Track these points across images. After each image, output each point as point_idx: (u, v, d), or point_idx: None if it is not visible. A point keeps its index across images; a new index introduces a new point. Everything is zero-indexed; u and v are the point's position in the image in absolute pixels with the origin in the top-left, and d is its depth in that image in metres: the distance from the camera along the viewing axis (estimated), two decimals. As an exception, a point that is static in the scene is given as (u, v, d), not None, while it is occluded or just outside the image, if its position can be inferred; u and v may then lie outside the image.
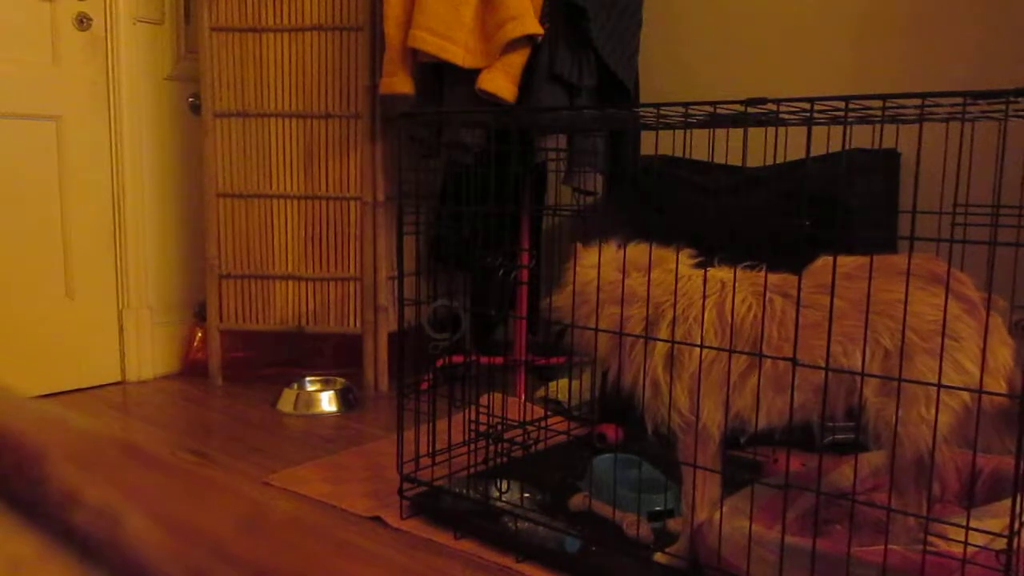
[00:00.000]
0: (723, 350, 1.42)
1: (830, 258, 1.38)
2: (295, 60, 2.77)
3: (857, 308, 1.35)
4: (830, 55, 2.57)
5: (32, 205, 2.67)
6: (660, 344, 1.48)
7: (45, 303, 2.72)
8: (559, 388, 2.59)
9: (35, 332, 2.69)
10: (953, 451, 1.41)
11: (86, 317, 2.82)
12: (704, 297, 1.45)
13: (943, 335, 1.28)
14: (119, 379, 2.92)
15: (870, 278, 1.32)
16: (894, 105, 1.28)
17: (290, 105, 2.79)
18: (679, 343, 1.46)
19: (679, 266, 1.50)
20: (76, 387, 2.80)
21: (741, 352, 1.42)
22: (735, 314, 1.43)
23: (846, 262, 1.38)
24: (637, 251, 1.59)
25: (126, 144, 2.84)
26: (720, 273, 1.50)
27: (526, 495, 1.79)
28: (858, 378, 1.35)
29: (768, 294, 1.42)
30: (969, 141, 1.29)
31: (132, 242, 2.89)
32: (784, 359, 1.37)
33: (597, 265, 1.58)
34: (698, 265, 1.55)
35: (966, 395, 1.30)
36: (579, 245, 1.63)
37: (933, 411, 1.28)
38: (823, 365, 1.35)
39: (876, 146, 1.49)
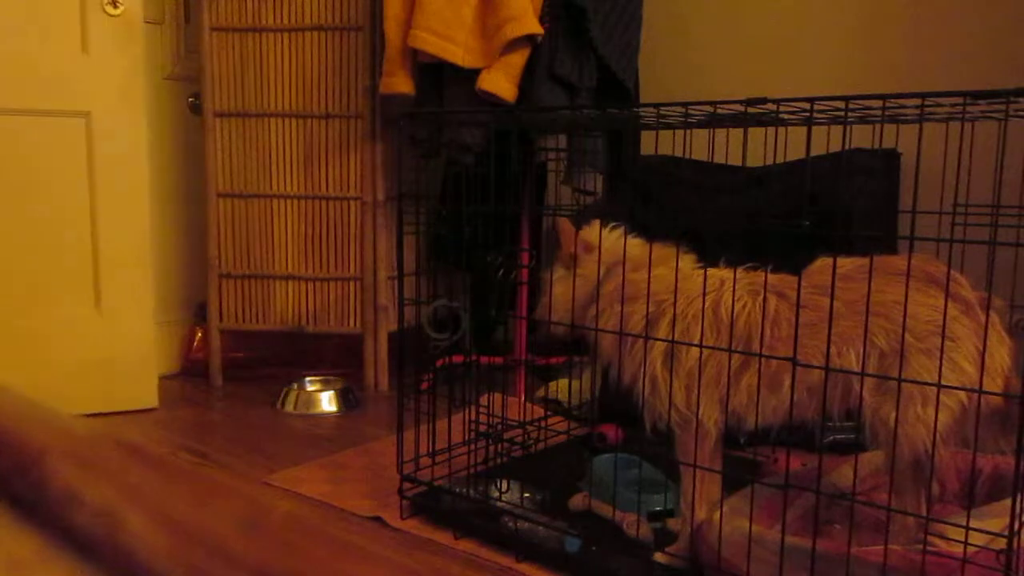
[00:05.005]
0: (721, 349, 1.42)
1: (829, 259, 1.38)
2: (295, 60, 2.77)
3: (852, 309, 1.35)
4: (830, 55, 2.57)
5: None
6: (660, 341, 1.48)
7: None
8: (559, 388, 2.59)
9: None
10: (951, 451, 1.41)
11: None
12: (704, 295, 1.46)
13: (943, 336, 1.28)
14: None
15: (870, 280, 1.32)
16: (894, 105, 1.28)
17: (290, 105, 2.79)
18: (676, 342, 1.46)
19: (680, 264, 1.50)
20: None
21: (739, 352, 1.42)
22: (729, 313, 1.43)
23: (843, 263, 1.38)
24: (640, 249, 1.59)
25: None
26: (721, 272, 1.51)
27: (526, 495, 1.79)
28: (853, 379, 1.36)
29: (764, 293, 1.43)
30: (969, 141, 1.29)
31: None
32: (784, 359, 1.37)
33: (598, 262, 1.58)
34: (700, 266, 1.55)
35: (963, 395, 1.31)
36: (579, 234, 1.63)
37: (929, 411, 1.29)
38: (818, 365, 1.35)
39: (876, 146, 1.49)
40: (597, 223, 1.65)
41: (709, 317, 1.45)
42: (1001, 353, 1.34)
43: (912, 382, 1.30)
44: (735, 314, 1.43)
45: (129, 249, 2.56)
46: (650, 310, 1.50)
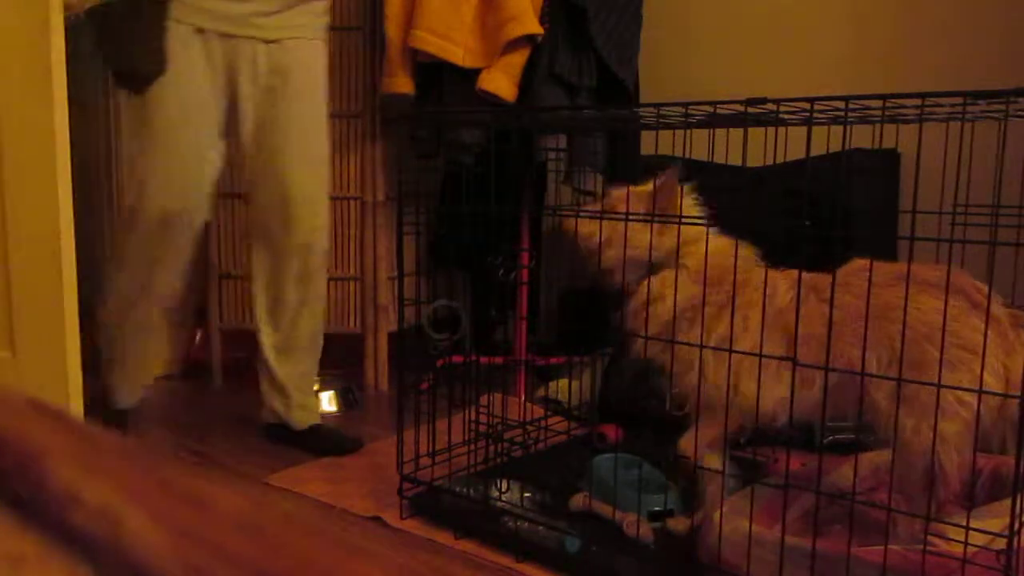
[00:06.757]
0: (728, 351, 1.42)
1: (864, 261, 1.38)
2: (295, 60, 2.76)
3: (876, 315, 1.35)
4: (830, 55, 2.57)
5: None
6: (720, 327, 1.48)
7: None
8: (559, 388, 2.59)
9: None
10: (964, 459, 1.40)
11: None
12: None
13: (942, 336, 1.28)
14: (119, 379, 2.90)
15: (869, 284, 1.31)
16: (894, 105, 1.27)
17: (290, 105, 2.79)
18: (675, 342, 1.46)
19: (741, 260, 1.51)
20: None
21: (738, 352, 1.42)
22: (781, 311, 1.44)
23: (877, 268, 1.37)
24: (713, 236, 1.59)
25: (126, 144, 2.81)
26: (772, 271, 1.51)
27: (526, 495, 1.79)
28: (869, 384, 1.35)
29: (805, 291, 1.42)
30: (969, 141, 1.29)
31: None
32: (783, 358, 1.38)
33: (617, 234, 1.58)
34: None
35: (978, 405, 1.30)
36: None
37: (945, 423, 1.28)
38: (830, 367, 1.35)
39: (876, 146, 1.49)
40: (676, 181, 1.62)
41: (764, 313, 1.45)
42: None
43: (913, 382, 1.29)
44: (782, 312, 1.44)
45: (46, 273, 1.92)
46: (719, 298, 1.49)
